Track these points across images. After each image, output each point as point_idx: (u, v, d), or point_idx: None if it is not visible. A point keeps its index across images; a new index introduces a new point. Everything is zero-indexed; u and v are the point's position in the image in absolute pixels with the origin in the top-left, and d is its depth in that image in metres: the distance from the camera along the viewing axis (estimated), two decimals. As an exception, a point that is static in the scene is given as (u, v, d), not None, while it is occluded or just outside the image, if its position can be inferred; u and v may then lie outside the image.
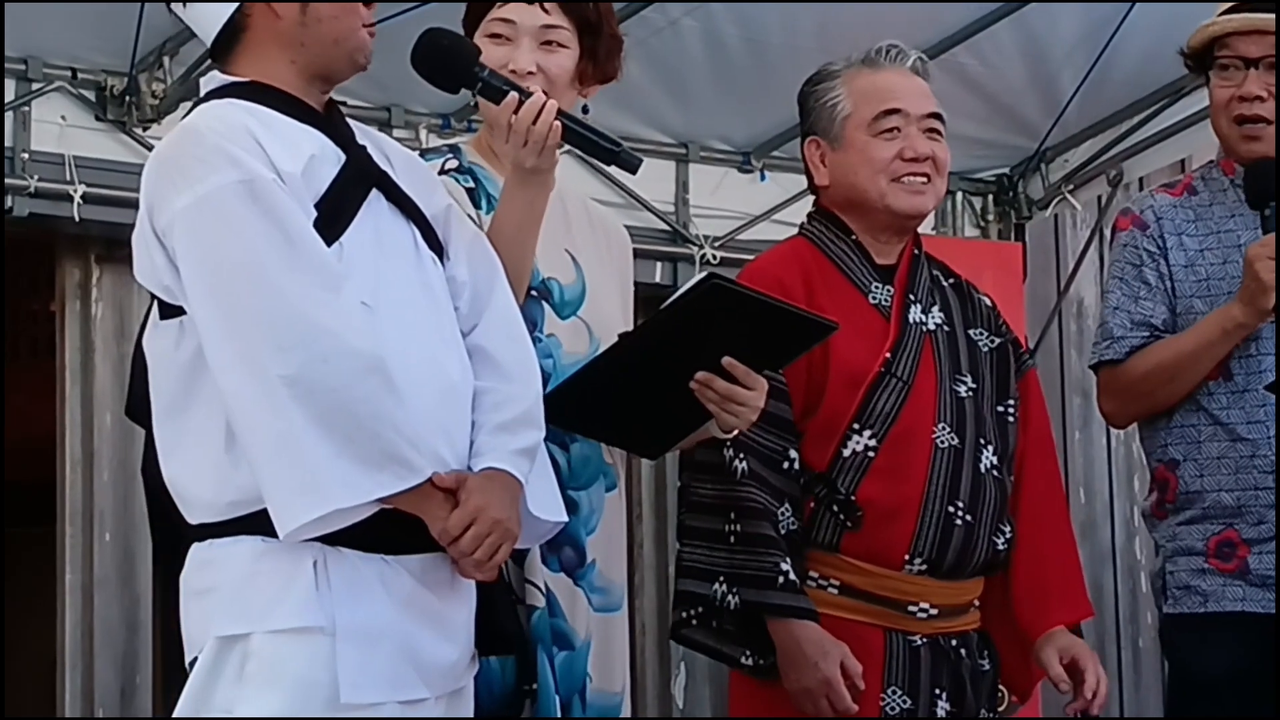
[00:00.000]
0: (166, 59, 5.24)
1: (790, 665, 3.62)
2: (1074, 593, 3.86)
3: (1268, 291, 3.77)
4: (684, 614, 3.71)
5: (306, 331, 2.92)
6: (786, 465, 3.68)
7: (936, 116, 3.82)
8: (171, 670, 3.22)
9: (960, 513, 3.72)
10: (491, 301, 3.19)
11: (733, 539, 3.63)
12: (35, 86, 5.21)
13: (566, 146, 3.30)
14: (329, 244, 3.01)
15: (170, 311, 3.03)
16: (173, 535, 3.09)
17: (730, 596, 3.62)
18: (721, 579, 3.63)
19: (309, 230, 2.99)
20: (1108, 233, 5.57)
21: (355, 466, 2.91)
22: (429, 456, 2.98)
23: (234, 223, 2.95)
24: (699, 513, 3.69)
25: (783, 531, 3.64)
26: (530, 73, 3.42)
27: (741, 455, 3.64)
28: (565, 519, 3.21)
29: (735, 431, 3.46)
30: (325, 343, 2.92)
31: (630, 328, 3.52)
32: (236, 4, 3.10)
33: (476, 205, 3.43)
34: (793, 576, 3.61)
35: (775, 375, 3.60)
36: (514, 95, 3.25)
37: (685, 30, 5.57)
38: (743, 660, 3.67)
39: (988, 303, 3.96)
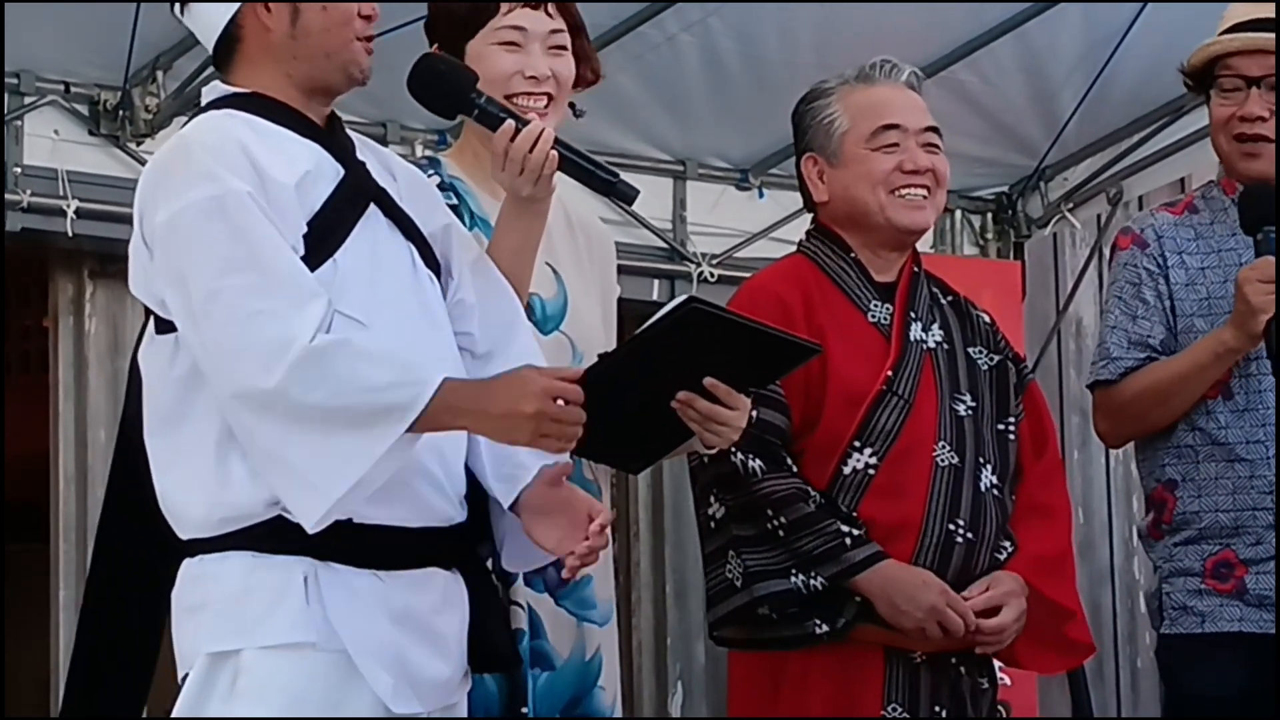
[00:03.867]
0: (160, 73, 5.23)
1: (894, 607, 3.62)
2: (1046, 568, 3.81)
3: (1257, 315, 3.76)
4: (713, 619, 3.73)
5: (256, 348, 2.90)
6: (787, 466, 3.68)
7: (934, 130, 3.82)
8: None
9: (961, 531, 3.71)
10: (517, 335, 3.19)
11: (782, 532, 3.64)
12: (28, 100, 5.21)
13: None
14: (322, 260, 3.00)
15: (165, 326, 3.03)
16: (153, 549, 3.08)
17: (813, 581, 3.63)
18: (794, 570, 3.63)
19: (279, 245, 2.96)
20: (1107, 251, 5.57)
21: (344, 443, 2.88)
22: (433, 368, 2.92)
23: (199, 240, 2.94)
24: (738, 522, 3.69)
25: (813, 506, 3.65)
26: (548, 77, 3.43)
27: (750, 454, 3.64)
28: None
29: (716, 449, 3.44)
30: (271, 354, 2.89)
31: (612, 335, 3.52)
32: (230, 14, 3.09)
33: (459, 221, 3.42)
34: (855, 530, 3.63)
35: (773, 387, 3.59)
36: (510, 123, 3.24)
37: (683, 47, 5.56)
38: (817, 631, 3.65)
39: (986, 319, 3.95)
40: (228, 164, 2.97)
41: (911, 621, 3.63)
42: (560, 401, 2.94)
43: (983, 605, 3.69)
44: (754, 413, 3.49)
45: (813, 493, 3.66)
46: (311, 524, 2.90)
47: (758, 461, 3.65)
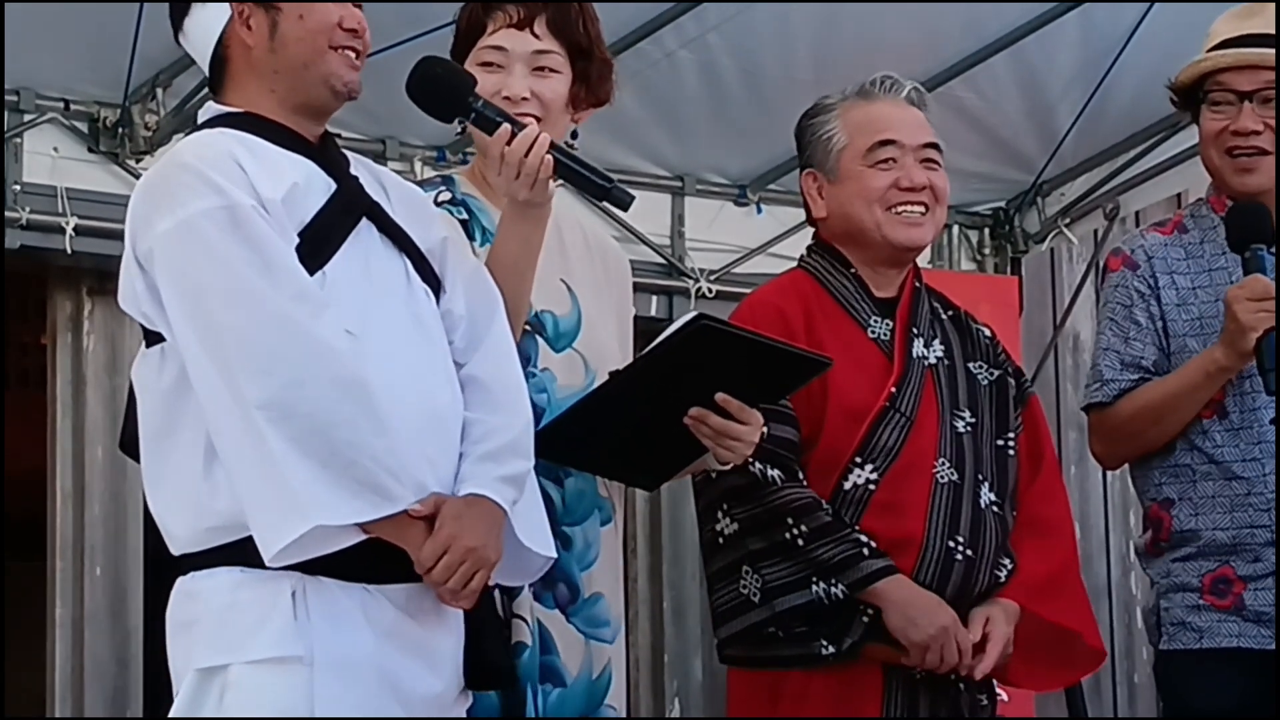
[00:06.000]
0: (160, 91, 5.23)
1: (908, 619, 3.61)
2: (1055, 591, 3.80)
3: (1246, 333, 3.76)
4: (725, 635, 3.71)
5: (283, 356, 2.93)
6: (800, 480, 3.67)
7: (933, 146, 3.81)
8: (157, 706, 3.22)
9: (961, 547, 3.71)
10: (489, 334, 3.19)
11: (801, 541, 3.63)
12: (27, 118, 5.21)
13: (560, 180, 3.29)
14: (312, 272, 3.01)
15: (154, 338, 3.04)
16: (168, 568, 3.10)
17: (833, 589, 3.61)
18: (815, 579, 3.62)
19: (289, 256, 2.99)
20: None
21: (331, 490, 2.91)
22: (410, 485, 2.98)
23: (214, 247, 2.95)
24: (753, 535, 3.66)
25: (831, 516, 3.64)
26: (524, 98, 3.41)
27: (769, 464, 3.63)
28: (554, 555, 3.19)
29: (731, 465, 3.44)
30: (301, 367, 2.93)
31: (628, 356, 3.51)
32: (217, 35, 3.12)
33: (471, 237, 3.42)
34: (873, 542, 3.62)
35: (782, 402, 3.60)
36: (506, 127, 3.24)
37: (681, 63, 5.57)
38: (823, 652, 3.64)
39: (987, 333, 3.95)
40: (228, 177, 2.99)
41: (921, 635, 3.61)
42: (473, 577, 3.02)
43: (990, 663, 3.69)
44: (766, 428, 3.50)
45: (825, 504, 3.65)
46: (276, 548, 2.91)
47: (776, 471, 3.63)
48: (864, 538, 3.63)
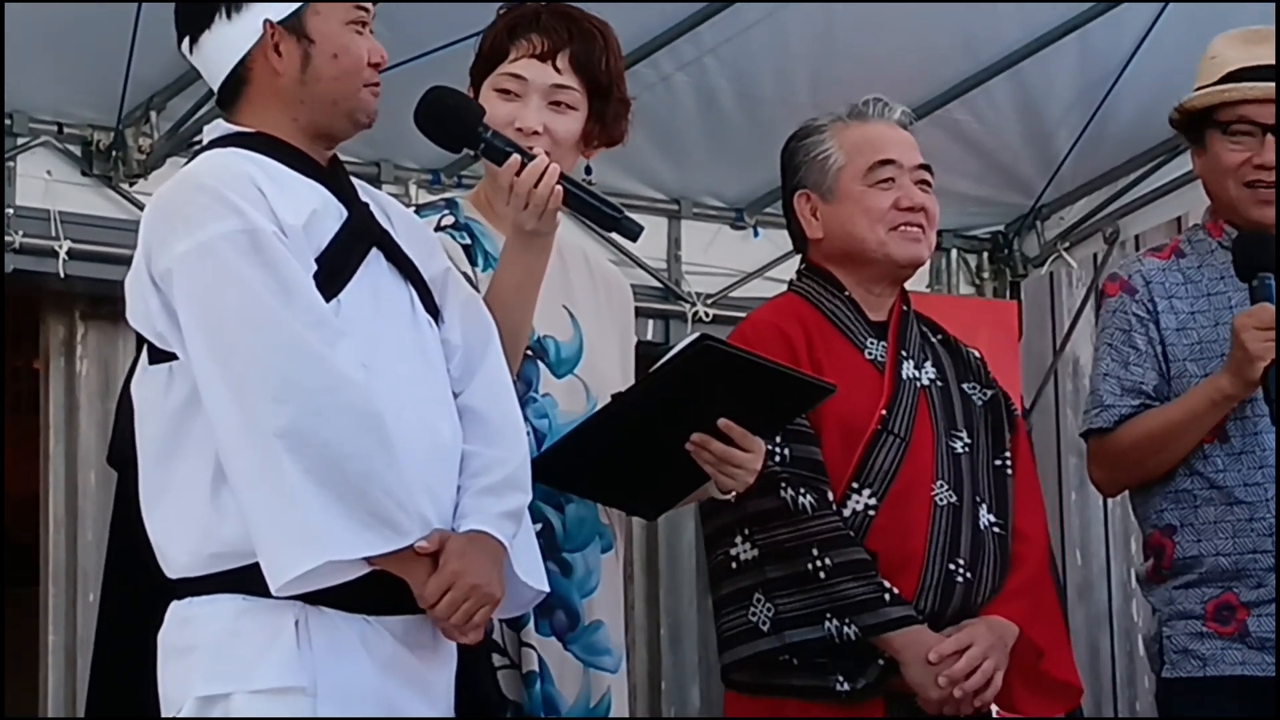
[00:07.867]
0: (154, 114, 5.22)
1: (927, 671, 3.59)
2: (1032, 607, 3.77)
3: (1254, 362, 3.75)
4: (730, 660, 3.67)
5: (301, 384, 2.92)
6: (830, 503, 3.64)
7: (926, 168, 3.82)
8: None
9: (961, 570, 3.69)
10: (484, 364, 3.18)
11: (823, 574, 3.59)
12: (21, 141, 5.20)
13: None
14: (327, 300, 3.01)
15: (160, 357, 3.03)
16: (141, 591, 3.06)
17: (845, 629, 3.58)
18: (828, 615, 3.59)
19: (308, 284, 2.98)
20: (1103, 291, 5.56)
21: (344, 523, 2.91)
22: (416, 519, 2.97)
23: (233, 271, 2.94)
24: (774, 562, 3.62)
25: (864, 552, 3.61)
26: (536, 132, 3.40)
27: (802, 490, 3.60)
28: (547, 589, 3.17)
29: (733, 494, 3.41)
30: (319, 397, 2.92)
31: (629, 383, 3.50)
32: (241, 55, 3.10)
33: (473, 262, 3.41)
34: (896, 590, 3.59)
35: (802, 422, 3.57)
36: (516, 157, 3.24)
37: (678, 86, 5.56)
38: (838, 688, 3.61)
39: (976, 355, 3.95)
40: (247, 200, 2.98)
41: (939, 694, 3.60)
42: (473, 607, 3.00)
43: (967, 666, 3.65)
44: (787, 449, 3.52)
45: (856, 538, 3.62)
46: (284, 579, 2.90)
47: (809, 498, 3.61)
48: (887, 583, 3.60)
